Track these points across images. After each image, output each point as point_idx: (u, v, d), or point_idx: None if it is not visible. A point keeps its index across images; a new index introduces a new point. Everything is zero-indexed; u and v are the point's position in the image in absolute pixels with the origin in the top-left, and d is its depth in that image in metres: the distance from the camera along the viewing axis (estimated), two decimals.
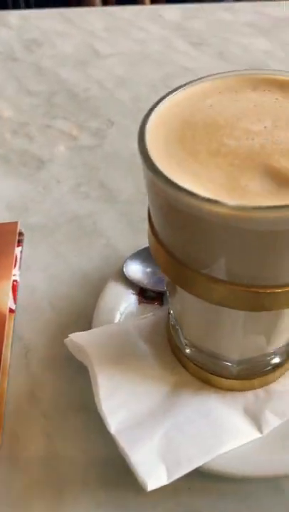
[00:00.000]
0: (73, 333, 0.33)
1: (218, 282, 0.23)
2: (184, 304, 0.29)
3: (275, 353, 0.32)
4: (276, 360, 0.33)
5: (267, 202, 0.19)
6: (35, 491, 0.30)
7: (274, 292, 0.23)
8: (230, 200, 0.19)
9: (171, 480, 0.27)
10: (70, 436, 0.32)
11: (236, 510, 0.29)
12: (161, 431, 0.29)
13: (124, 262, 0.39)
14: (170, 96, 0.25)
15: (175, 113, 0.24)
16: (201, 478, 0.30)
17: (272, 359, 0.32)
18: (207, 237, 0.21)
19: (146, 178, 0.22)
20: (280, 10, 0.84)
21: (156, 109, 0.24)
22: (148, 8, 0.90)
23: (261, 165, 0.21)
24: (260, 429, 0.30)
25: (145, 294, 0.38)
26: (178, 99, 0.25)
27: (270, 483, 0.30)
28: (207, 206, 0.19)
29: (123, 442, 0.28)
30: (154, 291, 0.38)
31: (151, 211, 0.25)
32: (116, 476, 0.30)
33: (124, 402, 0.30)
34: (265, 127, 0.23)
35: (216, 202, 0.19)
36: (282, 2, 0.85)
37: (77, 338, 0.32)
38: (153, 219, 0.25)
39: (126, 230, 0.47)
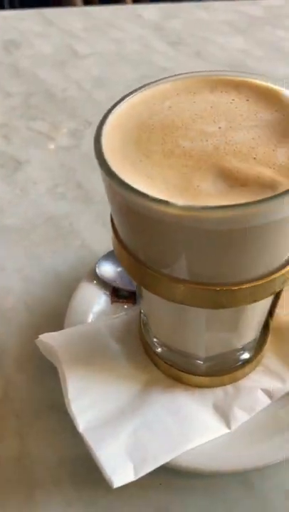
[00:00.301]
0: (44, 334, 0.33)
1: (178, 282, 0.24)
2: (150, 303, 0.30)
3: (243, 349, 0.32)
4: (245, 355, 0.33)
5: (218, 202, 0.20)
6: (7, 490, 0.30)
7: (231, 290, 0.23)
8: (183, 200, 0.20)
9: (138, 476, 0.27)
10: (42, 435, 0.32)
11: (206, 506, 0.29)
12: (129, 428, 0.29)
13: (97, 262, 0.39)
14: (128, 98, 0.25)
15: (132, 115, 0.24)
16: (172, 475, 0.30)
17: (241, 355, 0.33)
18: (163, 238, 0.22)
19: (103, 180, 0.22)
20: (257, 9, 0.85)
21: (114, 111, 0.24)
22: (127, 8, 0.90)
23: (214, 166, 0.21)
24: (228, 424, 0.31)
25: (118, 294, 0.39)
26: (136, 101, 0.25)
27: (239, 478, 0.30)
28: (157, 207, 0.19)
29: (90, 440, 0.28)
30: (126, 291, 0.39)
31: (112, 214, 0.26)
32: (87, 475, 0.30)
33: (94, 402, 0.31)
34: (219, 128, 0.23)
35: (165, 202, 0.19)
36: (258, 1, 0.86)
37: (47, 338, 0.33)
38: (114, 221, 0.26)
39: (102, 230, 0.47)
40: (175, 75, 0.27)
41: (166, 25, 0.82)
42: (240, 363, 0.33)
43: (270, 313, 0.35)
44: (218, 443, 0.30)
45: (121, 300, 0.39)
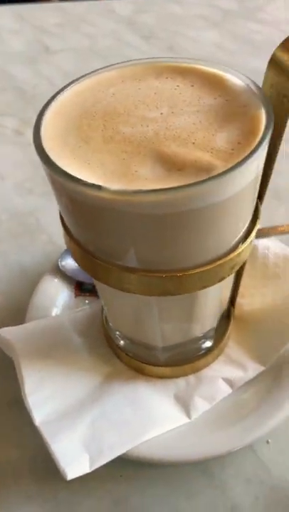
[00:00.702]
0: (1, 329, 0.32)
1: (127, 271, 0.24)
2: (106, 295, 0.29)
3: (204, 338, 0.32)
4: (207, 344, 0.33)
5: (154, 187, 0.19)
6: None
7: (177, 276, 0.23)
8: (120, 185, 0.20)
9: (94, 468, 0.27)
10: (2, 431, 0.32)
11: (166, 495, 0.29)
12: (87, 420, 0.29)
13: (60, 256, 0.39)
14: (73, 85, 0.25)
15: (76, 102, 0.24)
16: (133, 466, 0.30)
17: (202, 344, 0.33)
18: (103, 225, 0.22)
19: (44, 169, 0.22)
20: (230, 2, 0.85)
21: (57, 98, 0.24)
22: (100, 3, 0.89)
23: (153, 151, 0.21)
24: (188, 414, 0.31)
25: (81, 287, 0.38)
26: (81, 89, 0.25)
27: (199, 467, 0.30)
28: (91, 192, 0.19)
29: (46, 434, 0.28)
30: (90, 284, 0.38)
31: (58, 206, 0.25)
32: (47, 469, 0.30)
33: (52, 395, 0.30)
34: (161, 114, 0.23)
35: (98, 187, 0.19)
36: None
37: (5, 333, 0.32)
38: (61, 213, 0.25)
39: None
40: (122, 62, 0.26)
41: (139, 19, 0.82)
42: (202, 352, 0.33)
43: (232, 302, 0.35)
44: (178, 433, 0.30)
45: (84, 294, 0.38)
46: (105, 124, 0.22)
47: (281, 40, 0.21)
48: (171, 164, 0.20)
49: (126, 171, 0.20)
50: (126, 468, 0.30)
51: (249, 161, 0.20)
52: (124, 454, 0.28)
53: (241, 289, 0.37)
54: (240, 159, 0.20)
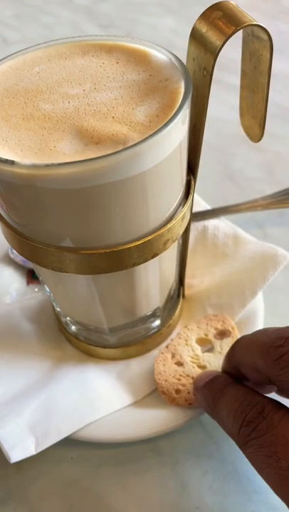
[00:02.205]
0: None
1: (58, 249, 0.23)
2: (47, 279, 0.29)
3: (152, 317, 0.32)
4: (156, 323, 0.33)
5: (71, 160, 0.19)
6: None
7: (106, 253, 0.23)
8: (36, 160, 0.20)
9: (39, 450, 0.27)
10: None
11: (117, 475, 0.30)
12: (34, 404, 0.29)
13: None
14: None
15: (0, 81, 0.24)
16: (83, 448, 0.30)
17: (151, 323, 0.33)
18: (23, 203, 0.21)
19: None
20: None
21: None
22: None
23: (72, 126, 0.21)
24: (136, 393, 0.31)
25: (34, 275, 0.38)
26: (5, 69, 0.25)
27: (148, 445, 0.30)
28: (4, 167, 0.19)
29: None
30: None
31: None
32: None
33: (0, 380, 0.30)
34: (83, 90, 0.23)
35: (12, 162, 0.19)
36: None
37: None
38: None
39: None
40: (49, 41, 0.26)
41: (97, 8, 0.81)
42: (151, 332, 0.33)
43: (180, 281, 0.35)
44: (126, 412, 0.30)
45: (37, 281, 0.38)
46: (26, 102, 0.22)
47: None
48: (88, 138, 0.20)
49: (43, 146, 0.20)
50: (76, 449, 0.30)
51: (164, 132, 0.20)
52: (72, 436, 0.29)
53: (193, 270, 0.37)
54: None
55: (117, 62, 0.24)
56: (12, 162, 0.19)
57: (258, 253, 0.35)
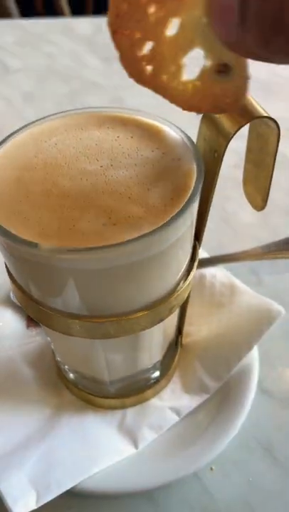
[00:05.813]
0: None
1: (69, 317, 0.24)
2: (51, 334, 0.30)
3: (152, 369, 0.33)
4: (155, 374, 0.34)
5: (91, 241, 0.20)
6: None
7: (116, 320, 0.24)
8: (57, 240, 0.21)
9: (40, 504, 0.28)
10: None
11: None
12: (35, 456, 0.30)
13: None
14: (16, 134, 0.26)
15: (19, 153, 0.25)
16: (82, 498, 0.31)
17: (150, 374, 0.34)
18: (41, 277, 0.22)
19: None
20: None
21: (1, 148, 0.25)
22: (60, 22, 0.90)
23: (90, 205, 0.22)
24: (136, 444, 0.32)
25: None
26: (24, 138, 0.26)
27: (144, 496, 0.31)
28: (28, 249, 0.20)
29: None
30: None
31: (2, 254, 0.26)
32: None
33: (0, 430, 0.31)
34: (101, 167, 0.24)
35: (35, 245, 0.20)
36: None
37: None
38: (5, 261, 0.26)
39: None
40: (66, 111, 0.27)
41: (99, 40, 0.83)
42: (150, 382, 0.34)
43: (179, 331, 0.37)
44: (125, 463, 0.31)
45: (37, 324, 0.39)
46: (46, 176, 0.23)
47: None
48: (106, 219, 0.22)
49: (63, 225, 0.21)
50: (74, 500, 0.31)
51: (180, 219, 0.21)
52: (71, 489, 0.29)
53: (190, 318, 0.38)
54: (172, 215, 0.21)
55: (132, 137, 0.26)
56: (35, 245, 0.20)
57: (254, 306, 0.36)
